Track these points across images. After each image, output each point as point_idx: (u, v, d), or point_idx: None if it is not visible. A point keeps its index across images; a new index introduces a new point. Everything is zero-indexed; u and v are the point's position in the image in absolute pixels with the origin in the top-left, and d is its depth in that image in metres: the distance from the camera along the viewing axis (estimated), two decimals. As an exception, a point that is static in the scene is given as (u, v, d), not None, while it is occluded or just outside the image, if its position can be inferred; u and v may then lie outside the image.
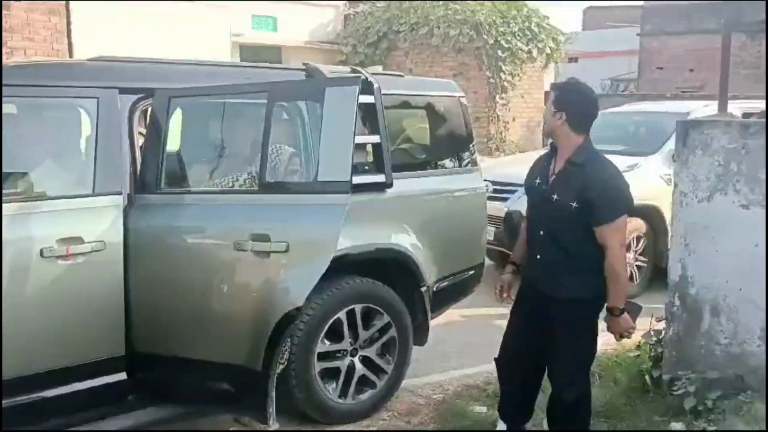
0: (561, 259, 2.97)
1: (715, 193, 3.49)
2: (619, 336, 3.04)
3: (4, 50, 7.16)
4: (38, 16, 7.68)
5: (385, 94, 3.93)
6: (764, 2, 18.75)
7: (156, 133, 3.01)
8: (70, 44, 8.41)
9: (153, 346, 2.97)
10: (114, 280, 2.89)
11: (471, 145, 4.47)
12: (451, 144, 4.45)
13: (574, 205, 2.87)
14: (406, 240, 3.95)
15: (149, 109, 3.08)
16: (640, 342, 4.10)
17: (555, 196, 2.95)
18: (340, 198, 2.65)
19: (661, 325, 3.89)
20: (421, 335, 4.14)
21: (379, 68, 4.72)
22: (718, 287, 3.51)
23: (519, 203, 6.15)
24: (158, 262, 2.94)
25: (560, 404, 3.09)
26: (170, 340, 2.95)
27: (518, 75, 13.51)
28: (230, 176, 3.22)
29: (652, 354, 3.90)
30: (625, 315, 2.97)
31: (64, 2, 8.20)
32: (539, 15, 13.96)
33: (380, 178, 3.79)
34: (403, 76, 4.38)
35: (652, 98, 15.74)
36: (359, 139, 3.76)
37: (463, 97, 4.45)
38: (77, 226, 2.80)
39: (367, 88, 3.79)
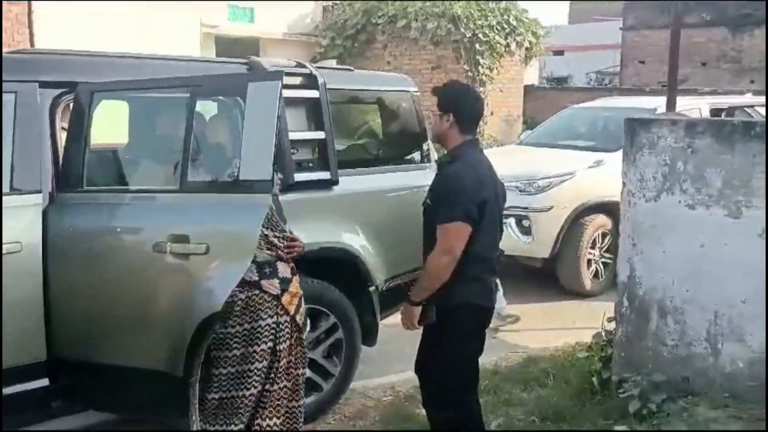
0: None
1: (661, 192, 3.42)
2: (403, 324, 2.96)
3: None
4: (-2, 5, 7.49)
5: (334, 89, 3.84)
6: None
7: (79, 129, 2.89)
8: (31, 35, 8.21)
9: (75, 352, 2.86)
10: (32, 282, 2.77)
11: (424, 141, 4.37)
12: (403, 140, 4.36)
13: (428, 202, 2.89)
14: (353, 238, 3.86)
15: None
16: (591, 343, 4.04)
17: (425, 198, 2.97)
18: (262, 198, 2.55)
19: (612, 325, 3.82)
20: (370, 336, 4.06)
21: (332, 62, 4.60)
22: (665, 288, 3.44)
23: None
24: (78, 264, 2.82)
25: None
26: (92, 345, 2.84)
27: (497, 69, 13.39)
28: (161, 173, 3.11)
29: (602, 355, 3.84)
30: (414, 309, 2.85)
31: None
32: (518, 8, 13.84)
33: (325, 175, 3.70)
34: (352, 70, 4.27)
35: (633, 92, 15.74)
36: (303, 135, 3.69)
37: (416, 92, 4.35)
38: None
39: (311, 83, 3.71)
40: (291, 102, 3.61)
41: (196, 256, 2.62)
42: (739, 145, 3.16)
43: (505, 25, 13.37)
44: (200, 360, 2.67)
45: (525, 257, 6.14)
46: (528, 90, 16.83)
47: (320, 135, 3.67)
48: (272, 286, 2.87)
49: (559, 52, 31.51)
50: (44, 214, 2.84)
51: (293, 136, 3.54)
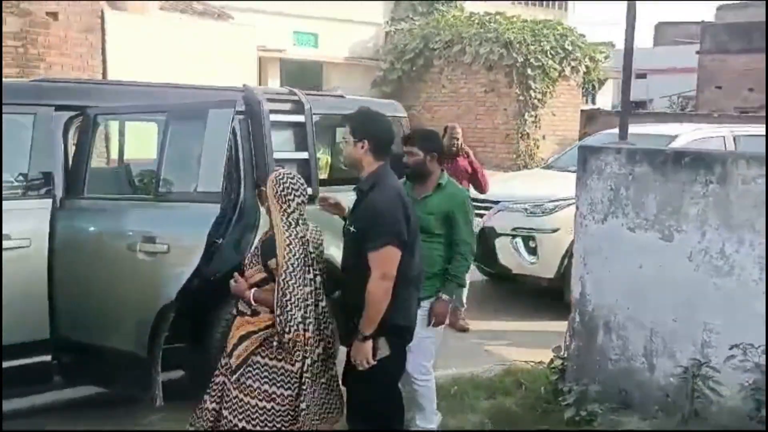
0: (353, 291, 2.87)
1: (608, 216, 3.65)
2: (354, 360, 2.84)
3: (42, 66, 7.89)
4: (75, 33, 8.40)
5: (324, 114, 4.31)
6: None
7: (83, 146, 3.46)
8: (104, 60, 9.16)
9: (72, 333, 3.40)
10: (38, 272, 3.33)
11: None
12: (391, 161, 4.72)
13: (352, 229, 2.88)
14: (335, 251, 4.27)
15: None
16: (553, 356, 4.26)
17: (346, 224, 3.01)
18: (212, 207, 3.02)
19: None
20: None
21: (338, 90, 5.06)
22: (610, 306, 3.66)
23: (494, 219, 6.37)
24: (74, 259, 3.37)
25: None
26: (83, 328, 3.37)
27: (550, 93, 13.54)
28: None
29: (560, 367, 4.06)
30: (367, 344, 2.78)
31: (99, 20, 8.98)
32: (575, 33, 13.97)
33: (308, 191, 4.14)
34: (344, 97, 4.71)
35: (706, 118, 15.35)
36: (289, 155, 4.16)
37: (405, 117, 4.73)
38: (7, 224, 3.26)
39: (298, 108, 4.18)
40: (280, 125, 4.10)
41: (160, 254, 3.12)
42: (671, 173, 3.37)
43: (560, 50, 13.53)
44: (161, 343, 3.14)
45: (531, 276, 6.34)
46: (593, 114, 16.80)
47: (304, 155, 4.12)
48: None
49: (641, 75, 30.93)
50: (54, 215, 3.40)
51: (280, 155, 4.01)
